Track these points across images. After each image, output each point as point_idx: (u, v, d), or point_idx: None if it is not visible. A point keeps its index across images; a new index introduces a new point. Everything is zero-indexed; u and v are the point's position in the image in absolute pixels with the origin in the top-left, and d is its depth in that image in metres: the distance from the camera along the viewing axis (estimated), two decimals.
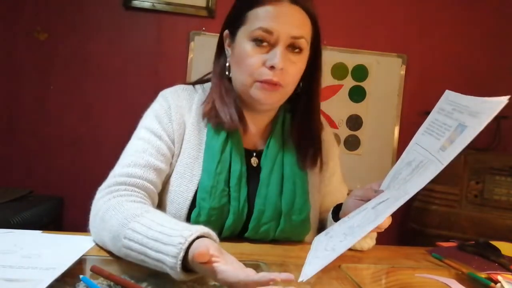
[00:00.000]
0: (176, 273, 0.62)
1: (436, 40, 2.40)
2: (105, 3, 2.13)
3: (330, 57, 2.30)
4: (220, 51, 0.99)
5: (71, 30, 2.11)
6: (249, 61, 0.87)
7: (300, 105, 0.99)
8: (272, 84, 0.87)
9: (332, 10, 2.27)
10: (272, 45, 0.87)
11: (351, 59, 2.33)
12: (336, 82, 2.33)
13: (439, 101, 0.70)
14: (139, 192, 0.84)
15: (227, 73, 0.95)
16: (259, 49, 0.87)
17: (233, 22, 0.93)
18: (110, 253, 0.75)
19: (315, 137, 1.00)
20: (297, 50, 0.89)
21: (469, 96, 0.62)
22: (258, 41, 0.87)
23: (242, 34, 0.89)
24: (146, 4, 2.13)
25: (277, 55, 0.85)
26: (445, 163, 0.60)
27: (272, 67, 0.85)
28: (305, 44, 0.90)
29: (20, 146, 2.10)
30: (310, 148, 0.99)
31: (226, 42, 0.96)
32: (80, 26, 2.11)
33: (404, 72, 2.38)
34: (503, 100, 0.56)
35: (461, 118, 0.61)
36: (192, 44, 2.17)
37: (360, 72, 2.34)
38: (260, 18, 0.87)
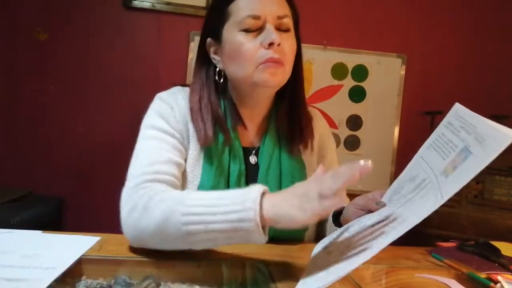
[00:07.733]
0: (255, 217, 0.63)
1: (436, 40, 2.40)
2: (105, 3, 2.13)
3: (330, 57, 2.31)
4: (201, 64, 0.98)
5: (71, 30, 2.10)
6: (245, 48, 0.87)
7: (287, 93, 0.99)
8: (275, 62, 0.87)
9: (332, 10, 2.27)
10: (261, 29, 0.88)
11: (351, 59, 2.33)
12: (336, 82, 2.33)
13: (448, 114, 0.67)
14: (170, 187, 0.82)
15: (216, 78, 0.95)
16: (251, 35, 0.88)
17: (215, 24, 0.93)
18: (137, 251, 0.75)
19: (302, 119, 1.01)
20: (285, 30, 0.90)
21: (478, 116, 0.59)
22: (247, 30, 0.88)
23: (229, 29, 0.90)
24: (146, 4, 2.13)
25: (271, 32, 0.86)
26: (446, 198, 0.57)
27: (271, 44, 0.86)
28: (290, 23, 0.92)
29: (20, 146, 2.10)
30: (297, 130, 1.00)
31: (211, 50, 0.96)
32: (80, 26, 2.11)
33: (404, 72, 2.38)
34: (511, 135, 0.50)
35: (467, 140, 0.58)
36: (192, 44, 2.17)
37: (360, 72, 2.34)
38: (243, 7, 0.88)
